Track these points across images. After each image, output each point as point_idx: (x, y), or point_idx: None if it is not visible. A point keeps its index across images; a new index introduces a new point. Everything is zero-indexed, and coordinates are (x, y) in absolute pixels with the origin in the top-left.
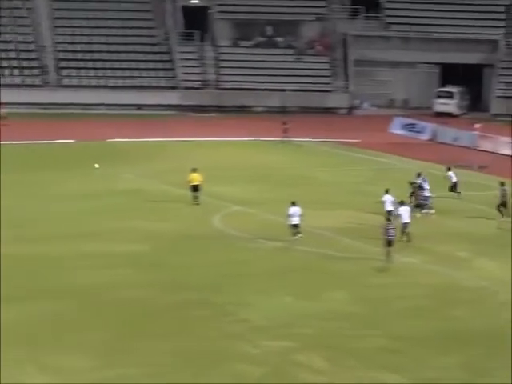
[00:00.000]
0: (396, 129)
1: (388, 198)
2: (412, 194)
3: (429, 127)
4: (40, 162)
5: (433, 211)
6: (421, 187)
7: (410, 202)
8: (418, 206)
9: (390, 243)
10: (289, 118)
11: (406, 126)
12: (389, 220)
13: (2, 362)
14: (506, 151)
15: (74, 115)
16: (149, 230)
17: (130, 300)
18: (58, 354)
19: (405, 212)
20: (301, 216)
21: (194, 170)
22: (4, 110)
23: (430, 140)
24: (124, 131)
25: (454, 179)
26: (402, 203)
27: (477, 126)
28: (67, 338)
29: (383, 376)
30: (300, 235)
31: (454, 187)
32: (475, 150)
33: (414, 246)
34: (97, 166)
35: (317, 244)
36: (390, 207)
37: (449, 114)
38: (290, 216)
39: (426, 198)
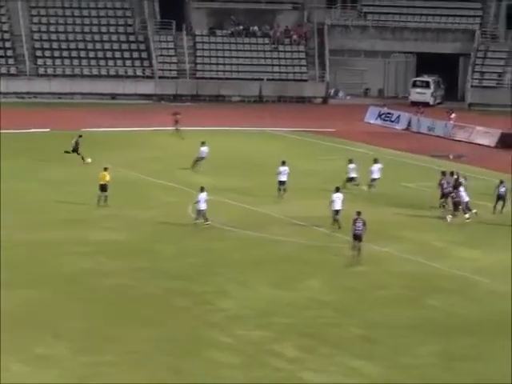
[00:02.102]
0: (371, 118)
1: (283, 170)
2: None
3: (404, 117)
4: (16, 150)
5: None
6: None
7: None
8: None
9: (356, 237)
10: (180, 108)
11: (381, 116)
12: (358, 213)
13: None
14: (482, 141)
15: (49, 104)
16: (127, 219)
17: (111, 288)
18: (40, 341)
19: (337, 199)
20: (207, 201)
21: (105, 169)
22: None
23: (405, 130)
24: (99, 120)
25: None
26: (337, 189)
27: (452, 115)
28: (49, 326)
29: (358, 364)
30: (208, 222)
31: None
32: (450, 139)
33: (390, 235)
34: (89, 160)
35: (294, 234)
36: (283, 178)
37: (425, 104)
38: (197, 202)
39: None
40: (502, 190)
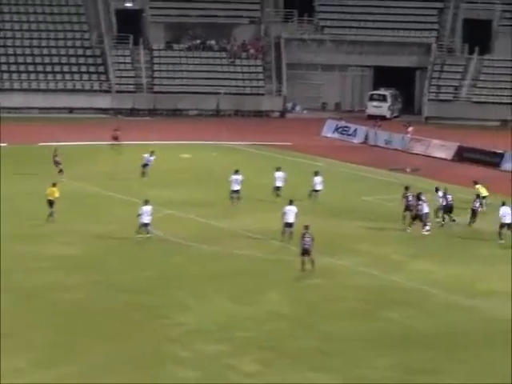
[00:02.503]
0: (328, 132)
1: (236, 178)
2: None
3: (361, 130)
4: None
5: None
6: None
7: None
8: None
9: (305, 251)
10: (121, 124)
11: (338, 129)
12: (306, 227)
13: None
14: (438, 154)
15: (7, 119)
16: (84, 233)
17: (69, 302)
18: (2, 354)
19: (290, 212)
20: (152, 215)
21: (54, 185)
22: None
23: (362, 143)
24: (57, 135)
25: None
26: (290, 202)
27: (409, 129)
28: (11, 338)
29: (316, 376)
30: (149, 235)
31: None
32: (407, 152)
33: (346, 248)
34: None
35: (250, 247)
36: (236, 186)
37: (381, 117)
38: (140, 215)
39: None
40: (477, 205)
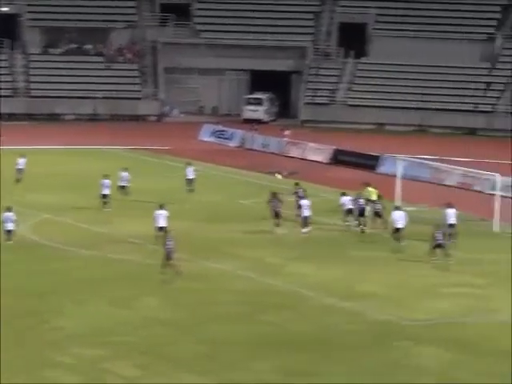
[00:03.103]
0: (205, 136)
1: (106, 183)
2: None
3: (237, 134)
4: None
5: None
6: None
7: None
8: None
9: (168, 255)
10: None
11: (215, 133)
12: (166, 232)
13: None
14: (315, 157)
15: None
16: None
17: None
18: None
19: (161, 216)
20: (16, 221)
21: None
22: None
23: (238, 147)
24: None
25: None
26: (161, 206)
27: (286, 132)
28: None
29: (191, 379)
30: (10, 242)
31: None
32: (284, 156)
33: (223, 252)
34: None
35: (130, 252)
36: (106, 191)
37: (258, 121)
38: (3, 222)
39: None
40: (378, 206)
